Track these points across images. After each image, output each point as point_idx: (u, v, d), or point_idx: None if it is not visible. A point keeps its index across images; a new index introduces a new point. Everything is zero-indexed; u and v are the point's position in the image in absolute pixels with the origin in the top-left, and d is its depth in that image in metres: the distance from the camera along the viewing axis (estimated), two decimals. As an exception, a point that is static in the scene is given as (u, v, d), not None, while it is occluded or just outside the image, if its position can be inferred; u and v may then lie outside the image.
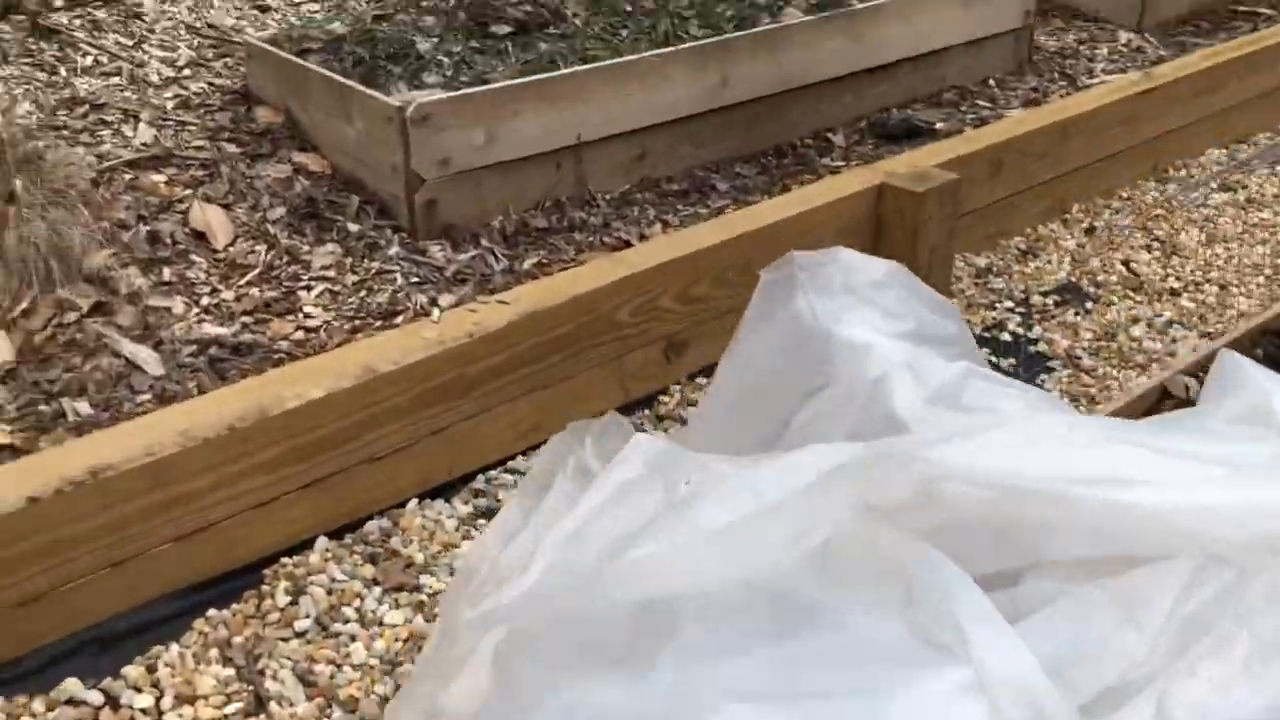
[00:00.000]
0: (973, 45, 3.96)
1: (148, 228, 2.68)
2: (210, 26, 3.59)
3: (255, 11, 3.74)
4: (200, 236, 2.71)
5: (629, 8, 3.25)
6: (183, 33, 3.52)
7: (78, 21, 3.39)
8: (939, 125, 3.58)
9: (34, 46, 3.24)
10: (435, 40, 2.97)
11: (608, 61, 3.02)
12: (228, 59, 3.45)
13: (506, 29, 3.04)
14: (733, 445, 1.72)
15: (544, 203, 3.03)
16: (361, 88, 2.81)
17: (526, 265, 2.79)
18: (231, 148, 3.04)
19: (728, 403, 1.79)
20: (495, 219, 2.95)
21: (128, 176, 2.85)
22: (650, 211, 3.09)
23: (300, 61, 3.01)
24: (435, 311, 2.47)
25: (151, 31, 3.48)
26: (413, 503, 2.36)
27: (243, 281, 2.62)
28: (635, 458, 1.58)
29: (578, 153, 3.05)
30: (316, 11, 3.81)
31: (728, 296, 2.87)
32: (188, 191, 2.84)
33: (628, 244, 2.91)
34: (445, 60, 2.92)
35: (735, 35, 3.26)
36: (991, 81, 4.05)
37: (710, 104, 3.28)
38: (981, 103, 3.87)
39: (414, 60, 2.91)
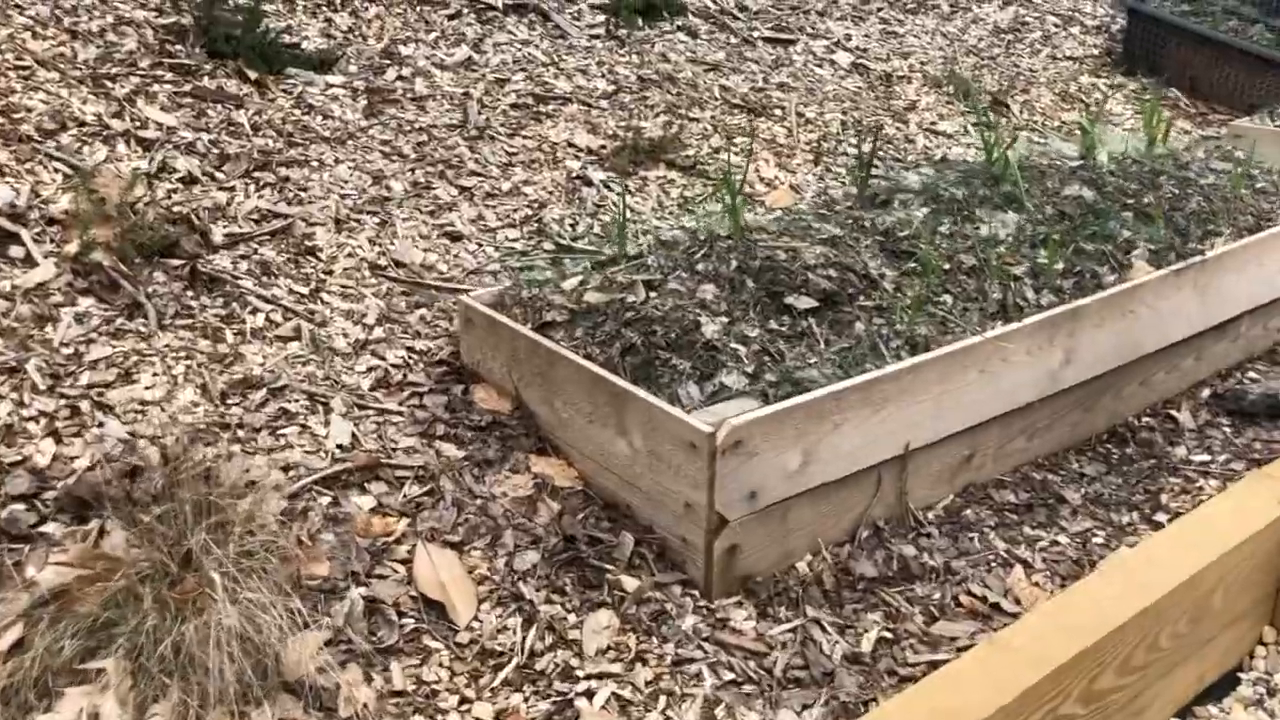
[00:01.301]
0: (1310, 287, 3.23)
1: (364, 592, 1.96)
2: (397, 265, 2.92)
3: (445, 241, 3.08)
4: (433, 604, 1.98)
5: (946, 265, 2.55)
6: (366, 274, 2.85)
7: (244, 264, 2.74)
8: (1313, 402, 2.82)
9: (194, 302, 2.58)
10: (723, 320, 2.27)
11: (946, 349, 2.30)
12: (424, 310, 2.78)
13: (809, 302, 2.34)
14: None
15: (858, 532, 2.28)
16: (647, 396, 2.10)
17: (868, 644, 2.03)
18: (451, 449, 2.33)
19: None
20: (802, 559, 2.21)
21: (325, 500, 2.14)
22: (995, 540, 2.34)
23: (545, 342, 2.31)
24: (791, 758, 1.70)
25: (330, 273, 2.82)
26: None
27: (498, 681, 1.87)
28: None
29: (902, 463, 2.31)
30: (516, 240, 3.16)
31: (1133, 683, 2.10)
32: (405, 523, 2.13)
33: (995, 606, 2.14)
34: (741, 349, 2.21)
35: (1085, 301, 2.54)
36: (1329, 328, 3.31)
37: (1050, 388, 2.55)
38: (1337, 362, 3.12)
39: (701, 349, 2.21)
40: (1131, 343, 2.70)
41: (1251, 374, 3.04)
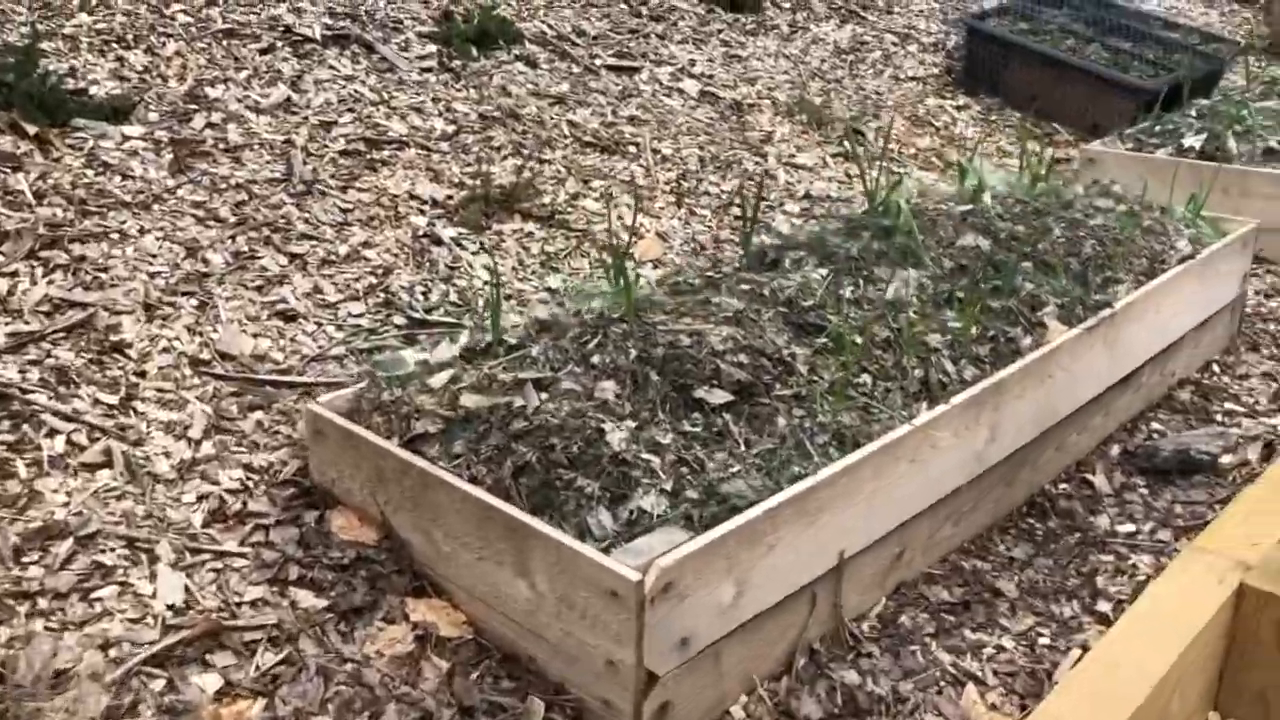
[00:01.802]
0: (1199, 329, 3.13)
1: (216, 817, 1.56)
2: (223, 357, 2.49)
3: (278, 322, 2.66)
4: (307, 822, 1.60)
5: (858, 338, 2.30)
6: (187, 372, 2.41)
7: (34, 372, 2.26)
8: (1224, 458, 2.70)
9: (-28, 426, 2.10)
10: (630, 424, 1.95)
11: (878, 443, 2.04)
12: (260, 414, 2.36)
13: (722, 395, 2.05)
14: None
15: (794, 661, 2.00)
16: (552, 531, 1.76)
17: (827, 808, 1.75)
18: (309, 598, 1.94)
19: None
20: (737, 701, 1.91)
21: (159, 685, 1.72)
22: (939, 653, 2.09)
23: (418, 462, 1.94)
24: None
25: (142, 374, 2.37)
26: None
27: None
28: None
29: (837, 575, 2.05)
30: (361, 315, 2.76)
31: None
32: (261, 706, 1.73)
33: (958, 742, 1.90)
34: (654, 460, 1.90)
35: (1008, 372, 2.33)
36: (1215, 368, 3.23)
37: (976, 469, 2.33)
38: (1232, 406, 3.01)
39: (609, 463, 1.89)
40: (1050, 409, 2.52)
41: (1155, 425, 2.91)
